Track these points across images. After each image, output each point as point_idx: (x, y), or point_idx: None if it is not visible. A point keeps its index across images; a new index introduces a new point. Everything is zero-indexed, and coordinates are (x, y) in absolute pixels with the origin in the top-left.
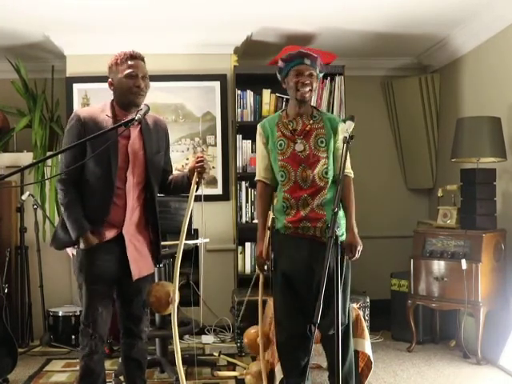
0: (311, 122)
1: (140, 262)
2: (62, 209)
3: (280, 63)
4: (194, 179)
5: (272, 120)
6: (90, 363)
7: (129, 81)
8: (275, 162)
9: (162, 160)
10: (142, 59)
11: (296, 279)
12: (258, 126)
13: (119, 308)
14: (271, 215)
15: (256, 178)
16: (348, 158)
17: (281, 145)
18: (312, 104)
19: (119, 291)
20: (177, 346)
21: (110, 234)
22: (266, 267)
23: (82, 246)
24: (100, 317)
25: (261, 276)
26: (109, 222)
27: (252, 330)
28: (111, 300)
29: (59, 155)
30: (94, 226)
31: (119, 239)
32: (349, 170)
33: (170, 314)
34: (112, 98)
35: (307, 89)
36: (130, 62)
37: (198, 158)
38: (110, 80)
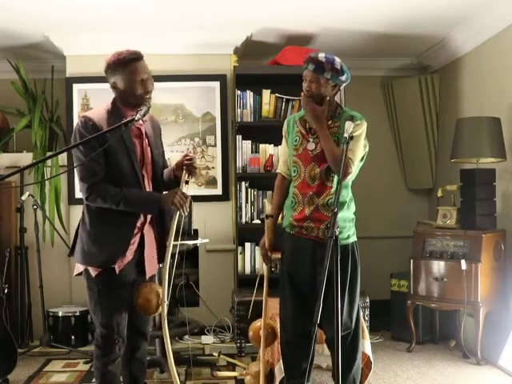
0: (329, 122)
1: (153, 261)
2: (123, 206)
3: None
4: (183, 178)
5: (297, 115)
6: (113, 368)
7: (140, 87)
8: (290, 157)
9: (162, 157)
10: (142, 57)
11: (299, 280)
12: (285, 121)
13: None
14: (267, 203)
15: (277, 171)
16: (359, 153)
17: (296, 140)
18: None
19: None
20: (168, 346)
21: (133, 246)
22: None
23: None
24: (124, 320)
25: (265, 271)
26: (137, 225)
27: (257, 323)
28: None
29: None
30: (126, 235)
31: (140, 241)
32: (353, 161)
33: (170, 315)
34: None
35: (307, 95)
36: (136, 67)
37: (187, 156)
38: (112, 82)
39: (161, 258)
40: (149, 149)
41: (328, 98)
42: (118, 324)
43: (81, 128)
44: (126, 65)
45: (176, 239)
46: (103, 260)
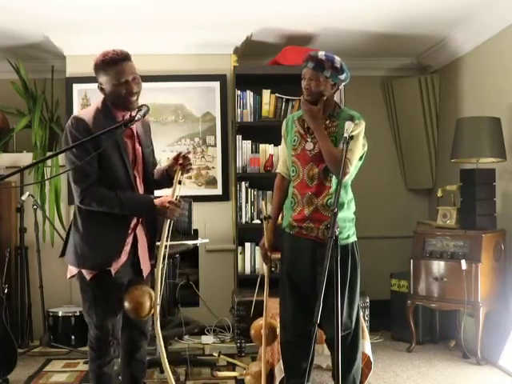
0: (327, 121)
1: (146, 261)
2: (118, 210)
3: None
4: (176, 179)
5: (295, 115)
6: (108, 370)
7: (120, 88)
8: (289, 157)
9: (152, 155)
10: (128, 58)
11: (299, 280)
12: (284, 121)
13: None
14: (263, 204)
15: (276, 171)
16: (357, 153)
17: (294, 140)
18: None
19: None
20: (162, 348)
21: (127, 247)
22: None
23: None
24: (118, 322)
25: (266, 271)
26: (131, 226)
27: (260, 322)
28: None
29: (58, 160)
30: (120, 236)
31: (133, 241)
32: (350, 161)
33: (169, 315)
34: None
35: (306, 93)
36: (120, 68)
37: (184, 157)
38: (99, 84)
39: (151, 258)
40: (140, 149)
41: (325, 97)
42: (112, 326)
43: (72, 129)
44: (110, 66)
45: (167, 240)
46: (97, 262)
